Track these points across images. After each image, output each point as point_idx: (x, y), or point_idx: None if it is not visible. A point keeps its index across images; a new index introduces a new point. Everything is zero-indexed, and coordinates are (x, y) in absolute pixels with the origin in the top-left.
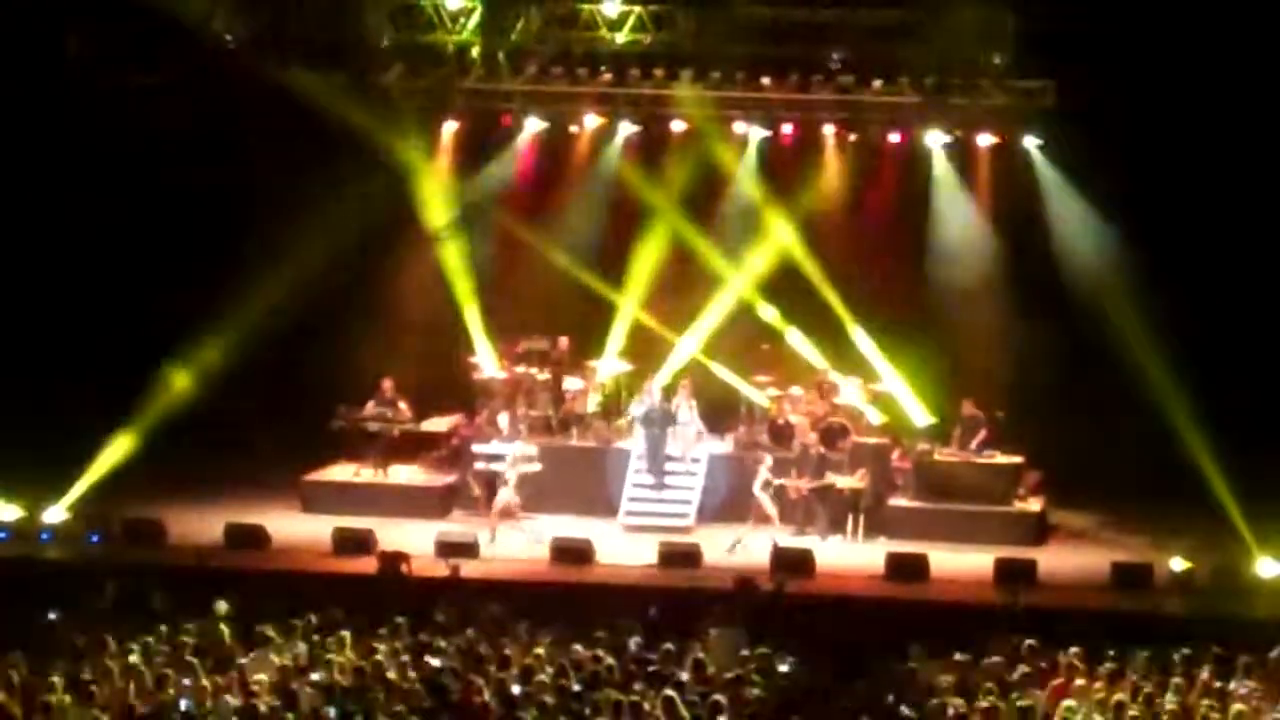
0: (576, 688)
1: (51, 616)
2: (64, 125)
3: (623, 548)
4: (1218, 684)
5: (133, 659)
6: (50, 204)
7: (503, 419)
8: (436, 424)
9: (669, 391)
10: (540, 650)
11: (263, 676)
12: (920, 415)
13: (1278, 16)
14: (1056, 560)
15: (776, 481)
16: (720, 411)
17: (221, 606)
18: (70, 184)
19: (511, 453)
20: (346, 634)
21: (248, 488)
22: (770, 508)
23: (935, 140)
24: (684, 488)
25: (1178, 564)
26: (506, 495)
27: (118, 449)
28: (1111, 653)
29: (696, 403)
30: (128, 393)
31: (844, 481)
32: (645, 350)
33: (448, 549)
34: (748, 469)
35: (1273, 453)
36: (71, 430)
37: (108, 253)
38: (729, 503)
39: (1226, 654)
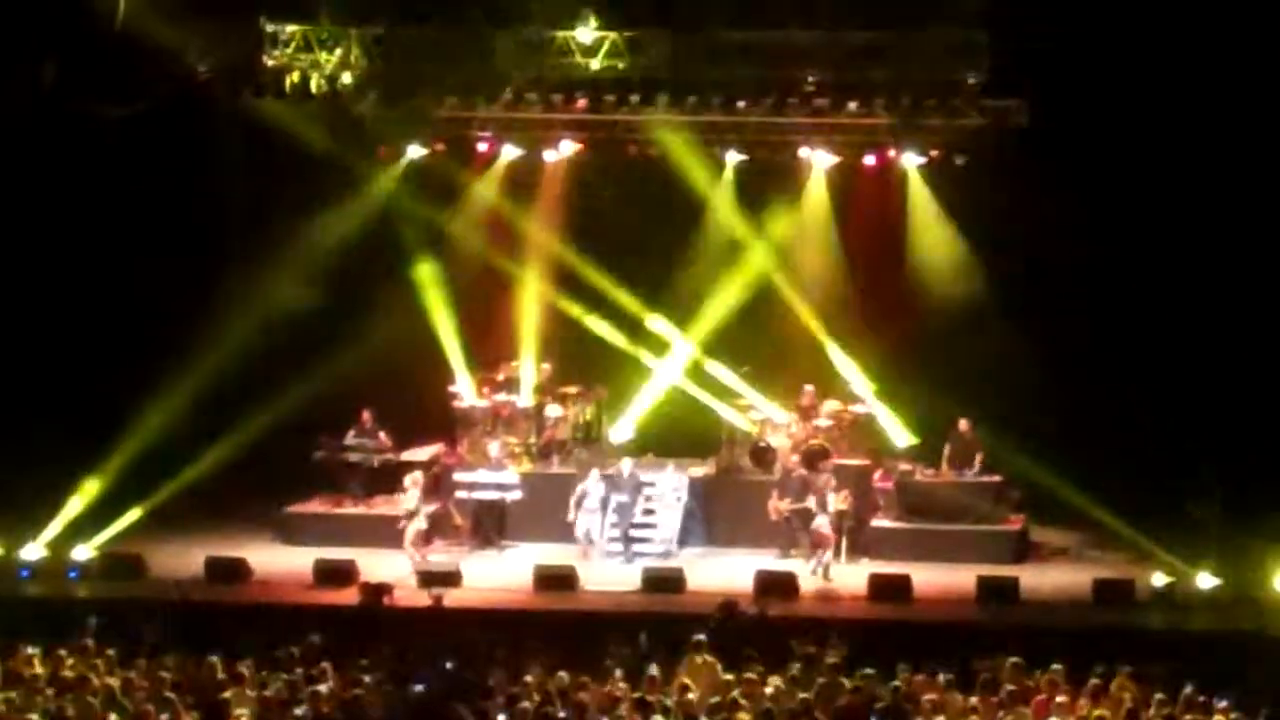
0: (562, 714)
1: (30, 651)
2: (38, 156)
3: (606, 574)
4: (1201, 698)
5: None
6: (22, 236)
7: (493, 446)
8: (417, 454)
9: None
10: (528, 678)
11: (244, 710)
12: (901, 436)
13: (1249, 35)
14: (1038, 578)
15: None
16: (702, 435)
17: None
18: (43, 216)
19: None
20: (329, 665)
21: (228, 520)
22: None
23: (911, 160)
24: (666, 512)
25: (1159, 579)
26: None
27: (94, 485)
28: (1095, 669)
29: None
30: (104, 427)
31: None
32: (626, 376)
33: (430, 579)
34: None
35: (1254, 470)
36: (47, 467)
37: (81, 284)
38: (711, 527)
39: (1209, 668)
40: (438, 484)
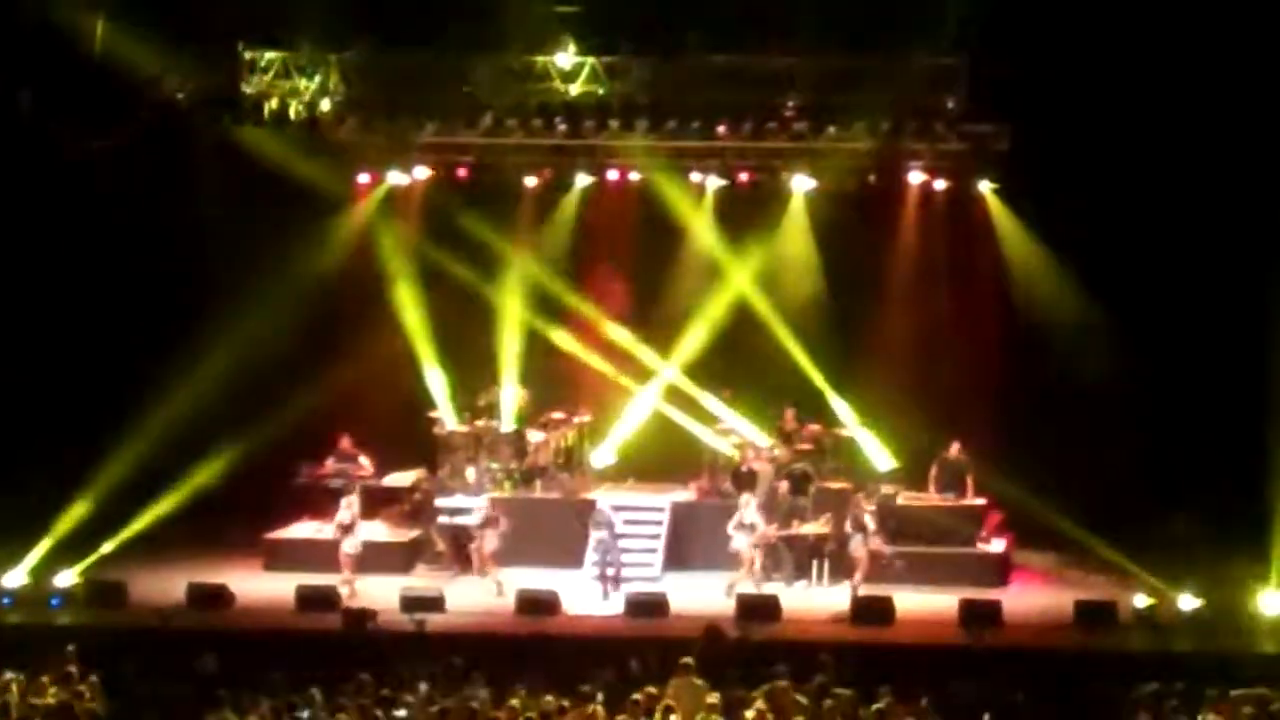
0: None
1: (8, 675)
2: (14, 186)
3: (589, 598)
4: (1184, 719)
5: None
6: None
7: (470, 472)
8: (398, 479)
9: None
10: (514, 702)
11: None
12: (883, 460)
13: (1231, 60)
14: (1020, 600)
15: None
16: (683, 460)
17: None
18: (22, 244)
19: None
20: (314, 691)
21: (210, 547)
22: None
23: (891, 185)
24: (649, 537)
25: (1141, 601)
26: (492, 544)
27: (76, 512)
28: (1078, 690)
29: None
30: (86, 455)
31: (808, 527)
32: (607, 400)
33: (412, 604)
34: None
35: (1233, 489)
36: (30, 494)
37: (62, 311)
38: (694, 551)
39: (1192, 689)
40: (419, 510)
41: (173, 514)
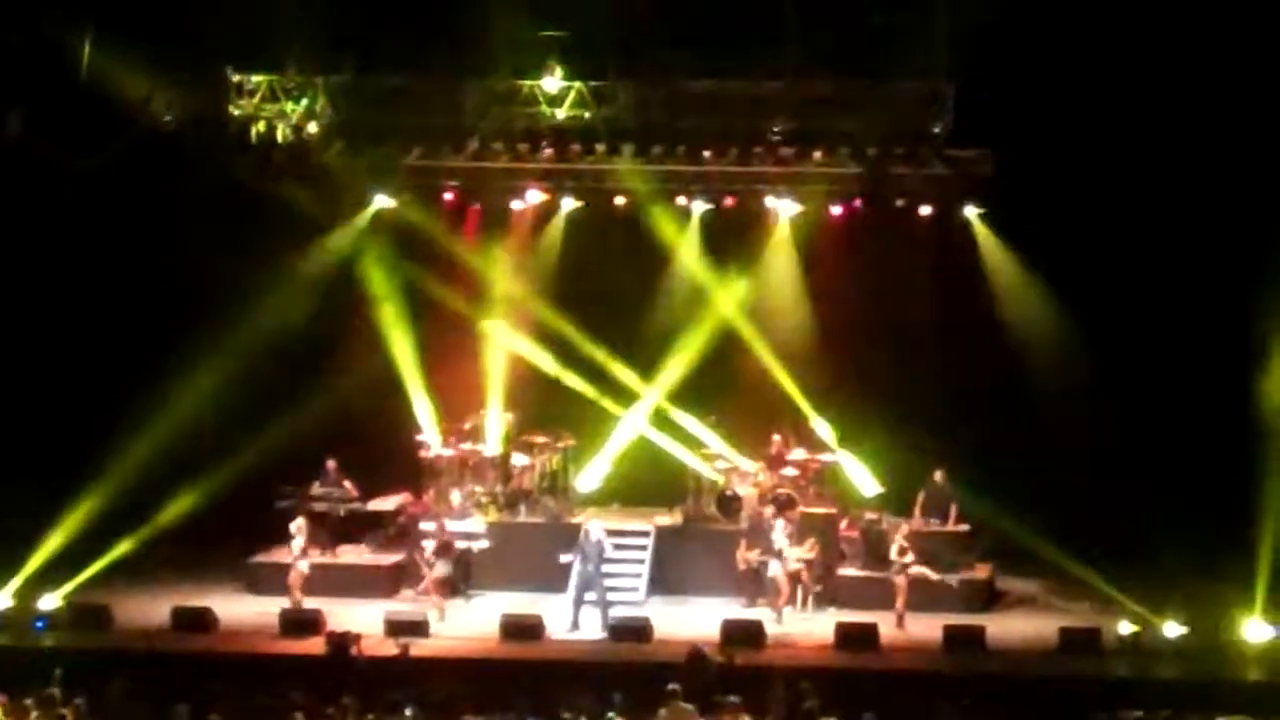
0: None
1: None
2: (2, 205)
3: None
4: None
5: None
6: None
7: (455, 495)
8: (383, 503)
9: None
10: None
11: None
12: (869, 485)
13: (1211, 84)
14: (1005, 626)
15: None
16: (668, 484)
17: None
18: (9, 264)
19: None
20: (298, 715)
21: (195, 570)
22: None
23: (876, 210)
24: (634, 561)
25: (1125, 628)
26: (444, 570)
27: (61, 535)
28: (1061, 717)
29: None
30: (71, 478)
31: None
32: (592, 425)
33: (397, 628)
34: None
35: (1221, 515)
36: (15, 517)
37: (48, 333)
38: (678, 575)
39: (1176, 717)
40: (404, 534)
41: (157, 538)
